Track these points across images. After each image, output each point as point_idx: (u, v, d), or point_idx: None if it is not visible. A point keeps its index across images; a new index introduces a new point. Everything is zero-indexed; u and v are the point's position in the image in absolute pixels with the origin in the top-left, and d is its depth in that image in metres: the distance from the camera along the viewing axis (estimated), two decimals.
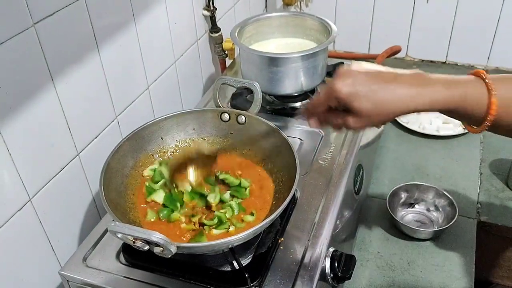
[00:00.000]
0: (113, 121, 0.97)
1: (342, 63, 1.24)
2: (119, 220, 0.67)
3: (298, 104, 1.14)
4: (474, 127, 0.62)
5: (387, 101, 0.59)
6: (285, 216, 0.83)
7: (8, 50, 0.69)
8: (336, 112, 0.63)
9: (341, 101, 0.60)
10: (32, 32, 0.73)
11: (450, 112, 0.61)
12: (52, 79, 0.79)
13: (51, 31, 0.76)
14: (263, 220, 0.71)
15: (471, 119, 0.61)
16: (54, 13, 0.76)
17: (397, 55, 1.60)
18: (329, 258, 0.78)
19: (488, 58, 1.57)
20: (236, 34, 1.12)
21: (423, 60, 1.66)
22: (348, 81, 0.60)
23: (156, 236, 0.60)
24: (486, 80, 0.59)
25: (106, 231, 0.84)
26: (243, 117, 0.90)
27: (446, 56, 1.62)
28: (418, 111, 0.61)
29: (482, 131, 0.62)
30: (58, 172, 0.84)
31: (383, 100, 0.59)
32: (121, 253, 0.79)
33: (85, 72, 0.86)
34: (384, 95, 0.58)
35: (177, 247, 0.63)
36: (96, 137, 0.92)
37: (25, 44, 0.72)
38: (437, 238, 1.02)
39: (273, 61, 1.05)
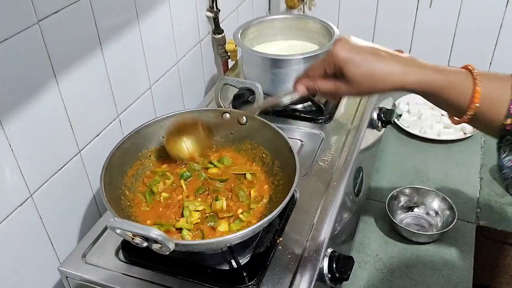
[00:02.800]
0: (115, 119, 0.98)
1: None
2: (118, 217, 0.67)
3: (299, 106, 1.14)
4: (456, 118, 0.65)
5: (379, 72, 0.62)
6: (284, 216, 0.84)
7: (12, 46, 0.70)
8: (329, 78, 0.66)
9: (337, 63, 0.63)
10: (36, 29, 0.74)
11: (435, 96, 0.63)
12: (55, 77, 0.80)
13: (55, 28, 0.77)
14: (261, 219, 0.71)
15: (455, 107, 0.64)
16: (58, 11, 0.77)
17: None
18: (327, 258, 0.79)
19: (490, 63, 1.57)
20: (239, 35, 1.12)
21: None
22: (347, 46, 0.63)
23: (154, 233, 0.61)
24: (473, 72, 0.62)
25: (105, 228, 0.84)
26: (244, 117, 0.91)
27: (448, 61, 1.62)
28: (405, 88, 0.63)
29: (463, 122, 0.64)
30: (59, 169, 0.85)
31: (376, 70, 0.62)
32: (120, 250, 0.80)
33: (88, 71, 0.87)
34: (378, 66, 0.62)
35: (176, 244, 0.64)
36: (97, 135, 0.93)
37: (29, 41, 0.73)
38: (436, 242, 1.02)
39: (275, 63, 1.06)
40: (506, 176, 0.66)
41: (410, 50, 1.65)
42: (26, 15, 0.71)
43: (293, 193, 0.87)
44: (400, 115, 1.38)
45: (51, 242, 0.86)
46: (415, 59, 0.64)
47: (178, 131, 0.86)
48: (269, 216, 0.70)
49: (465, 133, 1.31)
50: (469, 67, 0.63)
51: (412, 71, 0.62)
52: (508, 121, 0.61)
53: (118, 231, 0.63)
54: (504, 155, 0.65)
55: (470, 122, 0.64)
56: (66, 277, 0.78)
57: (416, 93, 0.64)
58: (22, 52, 0.72)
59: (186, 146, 0.86)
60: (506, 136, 0.63)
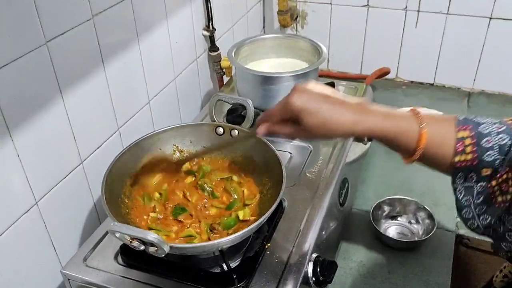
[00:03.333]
0: (115, 132, 1.04)
1: (333, 82, 1.31)
2: (118, 222, 0.73)
3: None
4: (407, 159, 0.69)
5: (333, 121, 0.66)
6: (273, 223, 0.89)
7: (22, 65, 0.76)
8: (286, 123, 0.71)
9: (294, 113, 0.68)
10: (44, 49, 0.80)
11: (386, 141, 0.68)
12: (61, 92, 0.86)
13: (62, 48, 0.83)
14: (250, 225, 0.77)
15: (404, 150, 0.68)
16: (65, 32, 0.83)
17: (388, 76, 1.68)
18: (312, 263, 0.84)
19: (474, 80, 1.65)
20: (233, 53, 1.19)
21: (412, 82, 1.74)
22: (303, 96, 0.67)
23: (151, 236, 0.66)
24: (419, 116, 0.66)
25: (105, 234, 0.90)
26: (236, 131, 0.97)
27: (434, 78, 1.70)
28: (356, 135, 0.69)
29: (413, 162, 0.68)
30: (63, 178, 0.91)
31: (329, 120, 0.66)
32: (119, 254, 0.85)
33: (91, 87, 0.93)
34: (331, 115, 0.66)
35: (170, 247, 0.69)
36: (98, 147, 0.99)
37: (37, 60, 0.79)
38: (417, 249, 1.07)
39: (266, 80, 1.13)
40: (466, 216, 0.70)
41: (398, 68, 1.72)
42: (35, 37, 0.78)
43: (281, 202, 0.94)
44: None
45: (54, 247, 0.91)
46: (366, 105, 0.68)
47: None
48: (257, 222, 0.76)
49: None
50: (415, 110, 0.67)
51: (363, 120, 0.66)
52: (456, 158, 0.65)
53: (117, 234, 0.69)
54: (461, 196, 0.69)
55: (421, 162, 0.68)
56: (68, 279, 0.83)
57: (367, 138, 0.68)
58: (31, 70, 0.78)
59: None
60: (457, 174, 0.67)
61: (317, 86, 0.70)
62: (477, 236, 1.11)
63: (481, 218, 0.68)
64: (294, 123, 0.69)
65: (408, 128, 0.66)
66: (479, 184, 0.67)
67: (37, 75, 0.80)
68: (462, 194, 0.69)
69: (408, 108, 0.70)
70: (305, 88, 0.68)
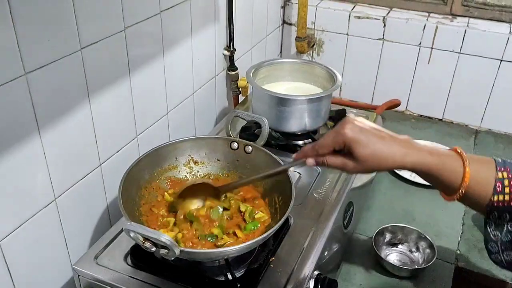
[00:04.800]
0: (133, 139, 1.08)
1: (345, 110, 1.35)
2: (132, 222, 0.76)
3: (300, 142, 1.24)
4: (448, 196, 0.73)
5: (383, 153, 0.69)
6: (278, 238, 0.92)
7: (57, 68, 0.81)
8: (337, 155, 0.74)
9: (346, 143, 0.71)
10: (79, 56, 0.85)
11: (430, 175, 0.71)
12: (89, 97, 0.91)
13: (94, 56, 0.88)
14: (257, 237, 0.80)
15: (446, 186, 0.71)
16: (98, 41, 0.89)
17: (397, 109, 1.72)
18: (313, 280, 0.87)
19: (482, 119, 1.68)
20: (251, 74, 1.24)
21: (421, 116, 1.77)
22: (355, 128, 0.70)
23: (164, 237, 0.70)
24: (462, 155, 0.70)
25: (117, 235, 0.93)
26: (250, 147, 1.00)
27: (443, 114, 1.73)
28: (403, 167, 0.71)
29: (454, 200, 0.72)
30: (82, 178, 0.95)
31: (380, 151, 0.69)
32: (129, 255, 0.88)
33: (116, 94, 0.98)
34: (382, 147, 0.69)
35: (181, 251, 0.72)
36: (117, 152, 1.03)
37: (71, 65, 0.84)
38: (416, 277, 1.09)
39: (282, 101, 1.17)
40: (492, 249, 0.73)
41: (408, 101, 1.76)
42: (72, 43, 0.83)
43: (288, 219, 0.97)
44: None
45: (66, 243, 0.94)
46: (412, 140, 0.72)
47: (189, 193, 0.91)
48: (264, 235, 0.79)
49: None
50: (458, 150, 0.71)
51: (411, 153, 0.69)
52: (495, 198, 0.68)
53: (132, 234, 0.72)
54: (491, 230, 0.72)
55: (460, 200, 0.71)
56: (78, 275, 0.87)
57: (414, 172, 0.72)
58: (65, 74, 0.83)
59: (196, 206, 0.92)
60: (493, 212, 0.70)
61: (366, 120, 0.73)
62: (476, 270, 1.14)
63: (505, 254, 0.71)
64: (344, 155, 0.72)
65: (452, 166, 0.69)
66: (510, 224, 0.70)
67: (70, 79, 0.85)
68: (492, 229, 0.72)
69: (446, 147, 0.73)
70: (356, 120, 0.71)
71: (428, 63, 1.67)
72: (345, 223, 1.07)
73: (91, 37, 0.87)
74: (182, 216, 0.90)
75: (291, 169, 0.90)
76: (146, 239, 0.73)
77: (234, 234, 0.89)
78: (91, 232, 1.02)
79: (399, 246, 1.17)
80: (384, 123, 1.63)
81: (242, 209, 0.93)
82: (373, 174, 1.31)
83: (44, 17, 0.76)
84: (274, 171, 0.89)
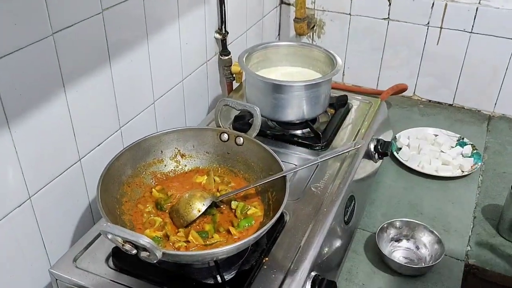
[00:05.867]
0: (116, 131, 1.05)
1: (346, 96, 1.32)
2: (111, 222, 0.74)
3: (298, 132, 1.21)
4: None
5: None
6: (272, 237, 0.90)
7: (26, 55, 0.78)
8: None
9: None
10: (50, 41, 0.82)
11: None
12: (64, 86, 0.87)
13: (68, 41, 0.85)
14: (248, 237, 0.77)
15: None
16: (72, 25, 0.85)
17: (404, 94, 1.68)
18: (310, 281, 0.84)
19: (495, 104, 1.64)
20: (244, 59, 1.20)
21: (430, 101, 1.73)
22: None
23: (144, 240, 0.67)
24: None
25: (98, 235, 0.90)
26: (241, 139, 0.98)
27: (453, 99, 1.69)
28: None
29: None
30: (60, 175, 0.92)
31: None
32: (111, 257, 0.86)
33: (95, 83, 0.95)
34: None
35: (163, 253, 0.70)
36: (98, 145, 1.00)
37: (42, 52, 0.81)
38: (423, 275, 1.06)
39: (277, 88, 1.13)
40: None
41: (416, 85, 1.72)
42: (42, 27, 0.79)
43: (283, 215, 0.94)
44: (400, 149, 1.44)
45: (44, 245, 0.92)
46: None
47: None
48: (255, 234, 0.76)
49: (463, 171, 1.36)
50: None
51: None
52: None
53: (109, 236, 0.69)
54: None
55: None
56: (56, 279, 0.84)
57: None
58: (35, 61, 0.80)
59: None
60: None
61: None
62: (487, 267, 1.11)
63: None
64: None
65: None
66: None
67: (41, 66, 0.81)
68: None
69: None
70: None
71: (437, 44, 1.62)
72: (346, 218, 1.04)
73: (64, 21, 0.83)
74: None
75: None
76: (126, 241, 0.70)
77: (228, 231, 0.87)
78: (73, 233, 0.99)
79: (405, 242, 1.14)
80: (390, 110, 1.60)
81: (233, 206, 0.90)
82: (377, 164, 1.28)
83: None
84: (274, 178, 0.88)
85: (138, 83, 1.09)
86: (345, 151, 0.93)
